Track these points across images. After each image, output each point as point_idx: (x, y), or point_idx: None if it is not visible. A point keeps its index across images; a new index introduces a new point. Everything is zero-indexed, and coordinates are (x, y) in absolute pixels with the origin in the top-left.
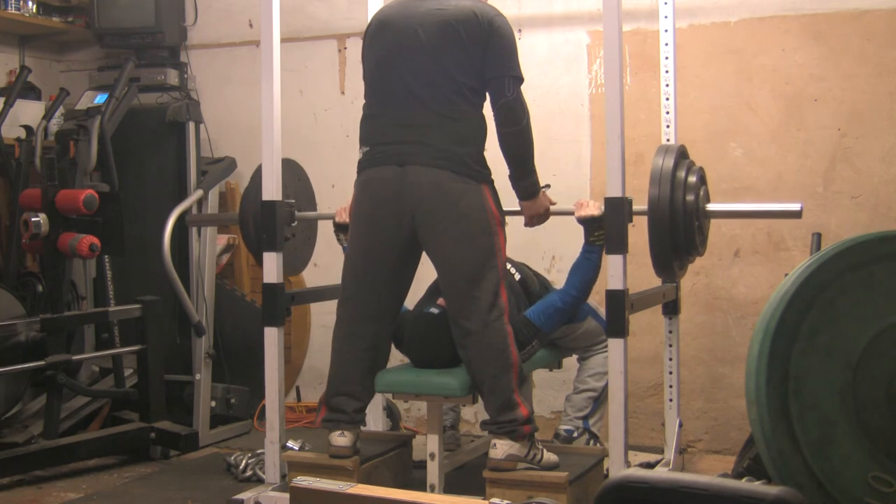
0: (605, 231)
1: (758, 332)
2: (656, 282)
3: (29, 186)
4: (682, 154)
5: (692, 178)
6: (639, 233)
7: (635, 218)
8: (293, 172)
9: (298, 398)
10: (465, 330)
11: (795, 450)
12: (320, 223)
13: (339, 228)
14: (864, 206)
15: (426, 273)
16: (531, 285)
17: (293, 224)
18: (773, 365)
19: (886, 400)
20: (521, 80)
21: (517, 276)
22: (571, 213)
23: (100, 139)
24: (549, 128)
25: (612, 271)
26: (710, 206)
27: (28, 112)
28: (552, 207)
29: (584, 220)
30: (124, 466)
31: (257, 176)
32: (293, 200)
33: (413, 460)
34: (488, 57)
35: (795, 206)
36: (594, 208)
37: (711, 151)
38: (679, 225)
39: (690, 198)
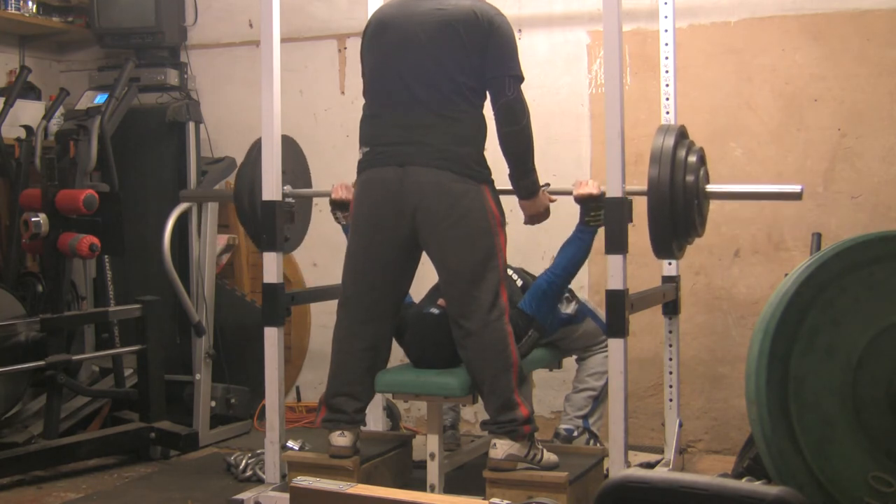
0: (605, 225)
1: (758, 332)
2: (656, 282)
3: (29, 186)
4: (682, 134)
5: (692, 159)
6: (639, 233)
7: (635, 218)
8: (290, 149)
9: (298, 398)
10: (465, 330)
11: (795, 450)
12: (317, 213)
13: (336, 206)
14: (864, 206)
15: (426, 273)
16: None
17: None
18: (773, 365)
19: (886, 400)
20: (521, 79)
21: (519, 283)
22: (570, 193)
23: (100, 139)
24: (549, 128)
25: (612, 271)
26: (710, 187)
27: (28, 112)
28: (551, 188)
29: (581, 199)
30: (124, 466)
31: (253, 150)
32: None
33: (413, 460)
34: (488, 56)
35: (796, 188)
36: (593, 187)
37: (711, 151)
38: (679, 205)
39: (690, 178)
